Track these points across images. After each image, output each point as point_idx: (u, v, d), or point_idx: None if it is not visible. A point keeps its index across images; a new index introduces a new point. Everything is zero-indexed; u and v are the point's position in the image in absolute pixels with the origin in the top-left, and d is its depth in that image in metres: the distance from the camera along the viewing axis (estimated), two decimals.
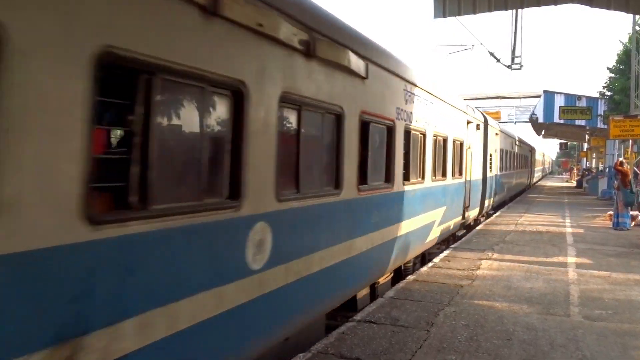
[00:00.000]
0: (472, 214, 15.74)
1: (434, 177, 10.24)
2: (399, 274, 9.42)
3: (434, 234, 10.75)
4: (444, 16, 12.90)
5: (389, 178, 7.66)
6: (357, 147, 6.39)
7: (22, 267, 2.44)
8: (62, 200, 2.66)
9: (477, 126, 15.69)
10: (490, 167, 18.89)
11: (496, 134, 20.57)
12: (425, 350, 5.78)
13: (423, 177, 9.50)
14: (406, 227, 8.54)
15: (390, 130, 7.65)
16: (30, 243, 2.47)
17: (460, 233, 14.43)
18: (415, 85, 8.85)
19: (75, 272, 2.74)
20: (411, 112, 8.53)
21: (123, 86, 3.18)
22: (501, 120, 43.29)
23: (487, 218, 19.24)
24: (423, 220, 9.62)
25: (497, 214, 21.05)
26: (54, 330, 2.61)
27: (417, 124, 8.89)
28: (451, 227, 12.58)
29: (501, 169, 22.48)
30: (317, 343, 5.93)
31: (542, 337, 6.24)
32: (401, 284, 8.75)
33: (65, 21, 2.65)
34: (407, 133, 8.44)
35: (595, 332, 6.46)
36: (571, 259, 11.29)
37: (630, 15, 22.83)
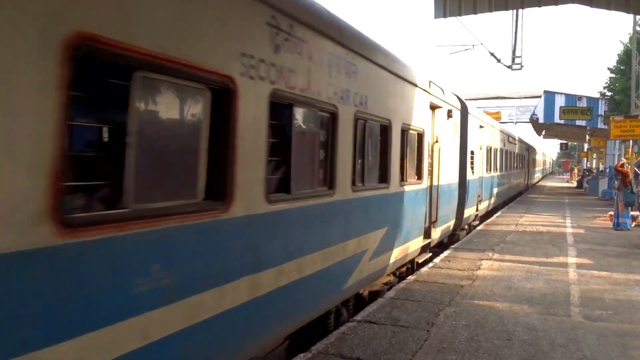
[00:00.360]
0: (443, 230, 11.78)
1: (360, 184, 6.69)
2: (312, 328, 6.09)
3: (363, 272, 6.95)
4: (445, 16, 12.90)
5: (225, 193, 3.98)
6: (52, 123, 2.67)
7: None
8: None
9: (449, 113, 11.70)
10: (473, 168, 15.31)
11: (481, 126, 16.87)
12: (425, 350, 5.78)
13: (331, 187, 5.86)
14: (281, 275, 4.87)
15: (226, 98, 3.98)
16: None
17: (421, 259, 10.42)
18: (308, 27, 5.21)
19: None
20: (292, 71, 4.89)
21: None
22: (502, 121, 43.35)
23: (469, 232, 15.66)
24: (332, 256, 5.94)
25: (498, 214, 21.03)
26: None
27: (311, 95, 5.28)
28: (404, 255, 8.79)
29: (489, 169, 18.84)
30: (317, 343, 5.94)
31: (543, 338, 6.24)
32: (402, 284, 8.76)
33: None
34: (285, 109, 4.96)
35: (596, 333, 6.46)
36: (572, 259, 11.29)
37: (631, 16, 22.84)
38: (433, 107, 10.46)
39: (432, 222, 10.61)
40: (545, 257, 11.44)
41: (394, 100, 7.96)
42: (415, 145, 9.22)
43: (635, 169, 19.28)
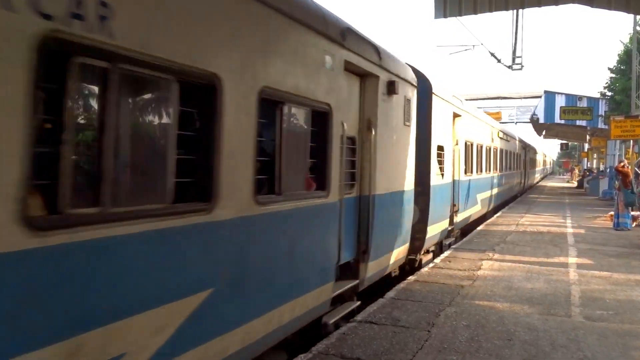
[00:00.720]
0: (386, 261, 7.93)
1: (88, 211, 2.97)
2: None
3: None
4: (445, 16, 12.88)
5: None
6: None
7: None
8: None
9: (392, 87, 7.50)
10: (442, 169, 11.52)
11: (456, 114, 13.01)
12: (426, 350, 5.77)
13: None
14: None
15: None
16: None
17: (334, 319, 6.40)
18: None
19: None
20: None
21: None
22: (502, 121, 43.33)
23: (436, 255, 11.53)
24: None
25: (498, 214, 21.02)
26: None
27: None
28: (275, 328, 4.92)
29: (469, 171, 15.05)
30: (318, 344, 5.93)
31: (543, 338, 6.24)
32: (402, 285, 8.75)
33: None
34: None
35: (597, 333, 6.45)
36: (572, 260, 11.28)
37: (631, 15, 22.83)
38: (358, 74, 6.91)
39: (361, 253, 7.00)
40: (546, 257, 11.43)
41: (237, 37, 4.23)
42: (307, 130, 5.54)
43: (636, 169, 19.27)
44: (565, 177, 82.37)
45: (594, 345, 6.03)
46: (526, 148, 35.73)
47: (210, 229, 3.90)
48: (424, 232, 10.13)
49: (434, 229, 10.97)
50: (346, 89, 6.45)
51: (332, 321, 6.34)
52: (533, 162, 46.60)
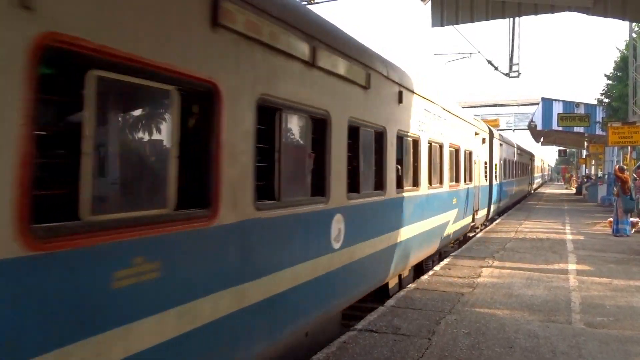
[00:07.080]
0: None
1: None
2: None
3: None
4: (442, 25, 12.97)
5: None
6: None
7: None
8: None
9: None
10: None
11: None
12: (427, 358, 5.76)
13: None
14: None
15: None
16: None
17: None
18: None
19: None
20: None
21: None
22: (500, 128, 43.48)
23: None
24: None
25: (498, 221, 21.03)
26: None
27: None
28: None
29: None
30: (318, 352, 5.92)
31: (544, 345, 6.22)
32: (402, 292, 8.74)
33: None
34: None
35: (597, 339, 6.44)
36: (572, 266, 11.27)
37: (627, 22, 22.95)
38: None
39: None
40: (546, 264, 11.43)
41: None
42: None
43: (634, 174, 19.31)
44: (563, 183, 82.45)
45: (595, 351, 6.02)
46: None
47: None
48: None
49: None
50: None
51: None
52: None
